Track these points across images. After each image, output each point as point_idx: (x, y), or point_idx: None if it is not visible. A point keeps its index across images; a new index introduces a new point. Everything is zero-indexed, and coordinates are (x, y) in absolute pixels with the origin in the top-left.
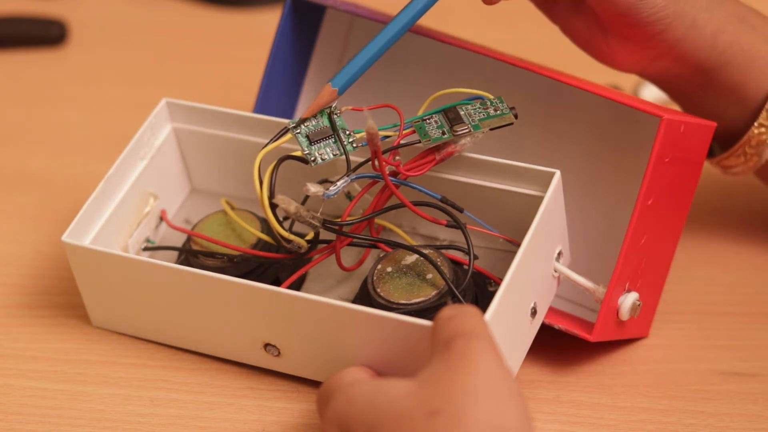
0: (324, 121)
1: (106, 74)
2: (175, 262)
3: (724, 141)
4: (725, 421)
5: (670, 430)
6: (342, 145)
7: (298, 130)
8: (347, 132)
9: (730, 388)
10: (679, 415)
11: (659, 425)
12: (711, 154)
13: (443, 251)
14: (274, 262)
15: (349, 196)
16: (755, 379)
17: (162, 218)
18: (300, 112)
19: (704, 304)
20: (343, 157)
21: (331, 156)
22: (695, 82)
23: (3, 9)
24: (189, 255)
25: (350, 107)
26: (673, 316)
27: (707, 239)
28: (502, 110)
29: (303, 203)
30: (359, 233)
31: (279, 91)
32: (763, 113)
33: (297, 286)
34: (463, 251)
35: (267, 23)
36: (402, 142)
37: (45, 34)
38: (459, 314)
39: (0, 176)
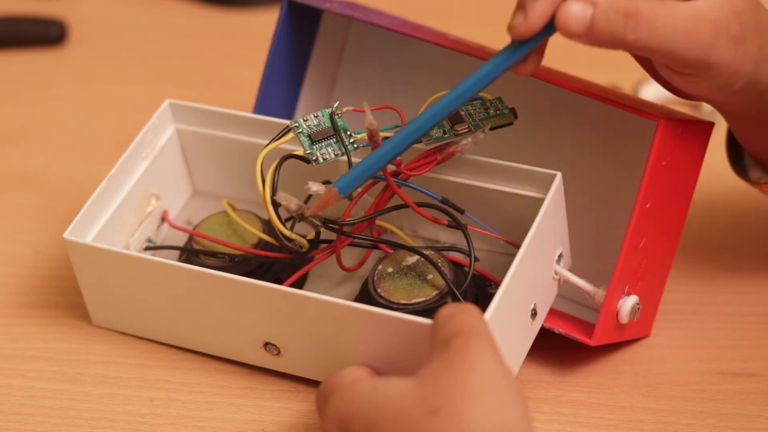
0: (326, 122)
1: (106, 74)
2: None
3: None
4: (725, 421)
5: (670, 430)
6: (343, 145)
7: (300, 130)
8: (348, 133)
9: (730, 388)
10: (678, 415)
11: (659, 425)
12: (745, 174)
13: (444, 253)
14: (275, 262)
15: (349, 197)
16: (755, 379)
17: (164, 219)
18: (299, 112)
19: (704, 304)
20: (345, 157)
21: (333, 156)
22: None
23: (3, 9)
24: (190, 254)
25: (351, 108)
26: (673, 316)
27: (707, 239)
28: (501, 110)
29: (305, 203)
30: (360, 234)
31: (278, 91)
32: None
33: (298, 286)
34: (464, 253)
35: (266, 23)
36: None
37: (45, 34)
38: (459, 313)
39: (0, 176)
